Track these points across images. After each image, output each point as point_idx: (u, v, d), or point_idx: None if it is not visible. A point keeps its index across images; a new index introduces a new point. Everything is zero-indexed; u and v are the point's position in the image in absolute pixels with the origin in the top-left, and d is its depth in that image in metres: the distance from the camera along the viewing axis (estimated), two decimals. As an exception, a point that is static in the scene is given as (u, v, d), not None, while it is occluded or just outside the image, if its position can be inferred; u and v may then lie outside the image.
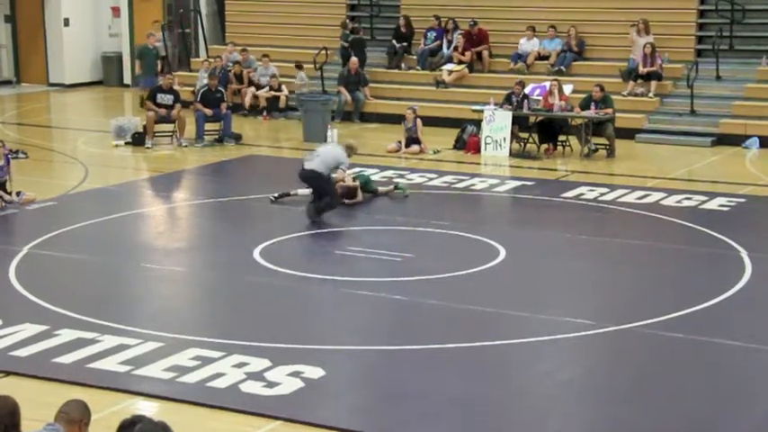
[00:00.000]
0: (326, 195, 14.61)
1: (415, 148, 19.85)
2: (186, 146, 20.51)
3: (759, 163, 19.02)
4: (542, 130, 20.09)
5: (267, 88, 24.07)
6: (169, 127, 20.85)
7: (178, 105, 20.77)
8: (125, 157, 19.97)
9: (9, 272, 12.12)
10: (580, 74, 22.61)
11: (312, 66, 23.94)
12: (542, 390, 9.03)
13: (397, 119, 21.09)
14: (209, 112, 20.97)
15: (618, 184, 17.20)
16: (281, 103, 23.84)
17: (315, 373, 9.10)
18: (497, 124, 19.82)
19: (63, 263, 12.75)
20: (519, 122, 20.04)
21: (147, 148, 20.29)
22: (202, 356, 9.45)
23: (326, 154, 14.78)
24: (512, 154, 19.68)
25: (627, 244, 13.71)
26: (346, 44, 24.43)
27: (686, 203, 15.71)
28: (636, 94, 21.90)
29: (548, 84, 20.68)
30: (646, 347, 10.01)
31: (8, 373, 9.25)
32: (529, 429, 8.37)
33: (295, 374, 9.05)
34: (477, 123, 20.17)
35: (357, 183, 15.93)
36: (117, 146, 20.58)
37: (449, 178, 17.53)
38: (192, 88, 23.31)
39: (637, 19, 22.41)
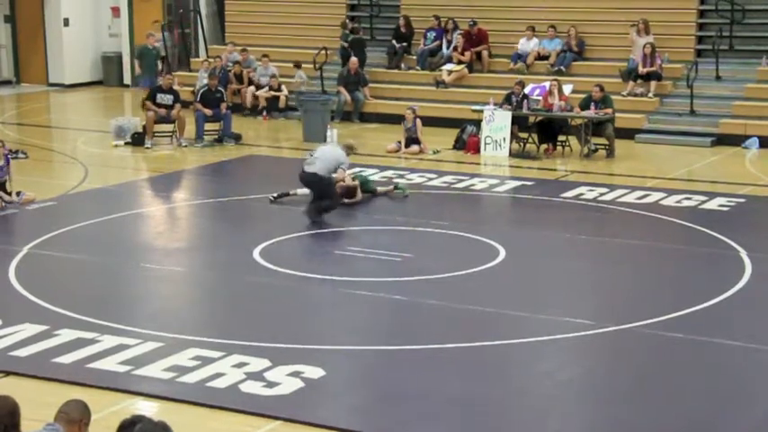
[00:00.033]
0: (328, 198, 14.60)
1: (414, 148, 19.85)
2: (186, 146, 20.51)
3: (759, 163, 19.02)
4: (542, 130, 20.09)
5: (267, 88, 24.07)
6: (169, 127, 20.85)
7: (178, 105, 20.78)
8: (125, 157, 19.97)
9: (9, 272, 12.12)
10: (580, 74, 22.61)
11: (312, 66, 23.94)
12: (542, 390, 9.04)
13: (396, 119, 21.09)
14: (208, 112, 20.97)
15: (617, 184, 17.20)
16: (281, 103, 23.84)
17: (315, 373, 9.10)
18: (497, 124, 19.82)
19: (63, 263, 12.75)
20: (519, 122, 20.04)
21: (147, 148, 20.29)
22: (202, 356, 9.46)
23: (326, 155, 14.77)
24: (511, 154, 19.68)
25: (626, 244, 13.71)
26: (346, 44, 24.43)
27: (686, 203, 15.71)
28: (636, 95, 21.90)
29: (547, 84, 20.68)
30: (646, 347, 10.01)
31: (8, 373, 9.25)
32: (529, 429, 8.38)
33: (295, 374, 9.05)
34: (477, 123, 20.17)
35: (357, 182, 15.93)
36: (117, 146, 20.58)
37: (448, 178, 17.53)
38: (191, 88, 23.31)
39: (637, 19, 22.41)
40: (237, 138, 21.01)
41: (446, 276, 12.09)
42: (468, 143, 20.15)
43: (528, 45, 23.60)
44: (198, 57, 27.40)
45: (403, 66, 24.59)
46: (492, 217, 15.89)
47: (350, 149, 15.32)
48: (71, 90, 28.91)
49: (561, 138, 20.02)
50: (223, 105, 21.29)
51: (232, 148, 20.47)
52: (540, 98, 20.39)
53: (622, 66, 22.41)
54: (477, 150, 19.84)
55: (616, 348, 10.07)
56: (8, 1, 29.72)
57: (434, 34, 24.44)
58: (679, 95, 21.74)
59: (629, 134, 20.75)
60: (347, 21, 25.28)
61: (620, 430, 8.30)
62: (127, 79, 29.49)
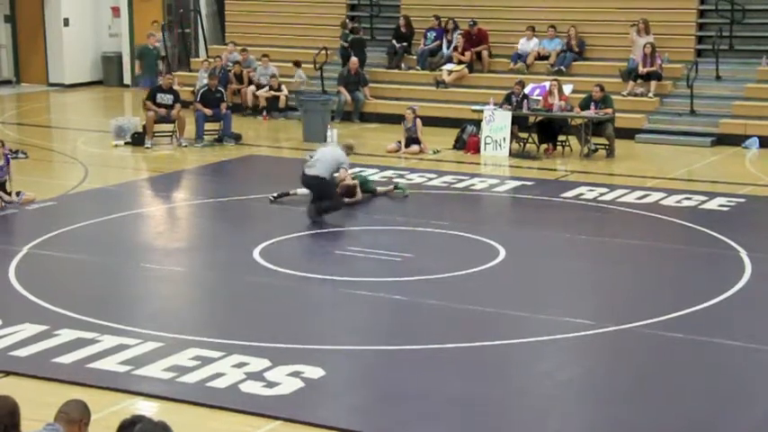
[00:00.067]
0: (330, 199, 14.60)
1: (414, 148, 19.85)
2: (186, 146, 20.52)
3: (759, 163, 19.02)
4: (542, 130, 20.09)
5: (267, 88, 24.07)
6: (169, 127, 20.85)
7: (178, 105, 20.78)
8: (125, 157, 19.97)
9: (9, 272, 12.12)
10: (580, 74, 22.61)
11: (312, 66, 23.94)
12: (542, 390, 9.03)
13: (396, 119, 21.09)
14: (208, 112, 20.97)
15: (617, 184, 17.20)
16: (281, 103, 23.84)
17: (315, 373, 9.10)
18: (497, 124, 19.82)
19: (63, 263, 12.75)
20: (519, 122, 20.04)
21: (147, 148, 20.29)
22: (202, 356, 9.45)
23: (326, 157, 14.75)
24: (511, 154, 19.69)
25: (626, 244, 13.71)
26: (346, 44, 24.44)
27: (686, 203, 15.71)
28: (636, 94, 21.90)
29: (547, 84, 20.68)
30: (646, 347, 10.01)
31: (8, 373, 9.24)
32: (529, 429, 8.37)
33: (295, 374, 9.05)
34: (477, 123, 20.17)
35: (356, 181, 15.93)
36: (117, 146, 20.58)
37: (448, 178, 17.53)
38: (191, 88, 23.31)
39: (637, 19, 22.41)
40: (237, 138, 21.01)
41: (446, 276, 12.09)
42: (468, 143, 20.15)
43: (528, 45, 23.60)
44: (198, 57, 27.41)
45: (403, 66, 24.59)
46: (492, 217, 15.89)
47: (349, 149, 15.35)
48: (71, 90, 28.91)
49: (561, 138, 20.02)
50: (223, 105, 21.29)
51: (232, 148, 20.47)
52: (540, 98, 20.40)
53: (622, 66, 22.42)
54: (478, 150, 19.85)
55: (616, 348, 10.06)
56: (8, 1, 29.72)
57: (434, 34, 24.44)
58: (679, 95, 21.74)
59: (629, 134, 20.76)
60: (347, 21, 25.28)
61: (620, 430, 8.29)
62: (127, 79, 29.50)
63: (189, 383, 8.94)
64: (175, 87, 21.62)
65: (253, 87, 24.21)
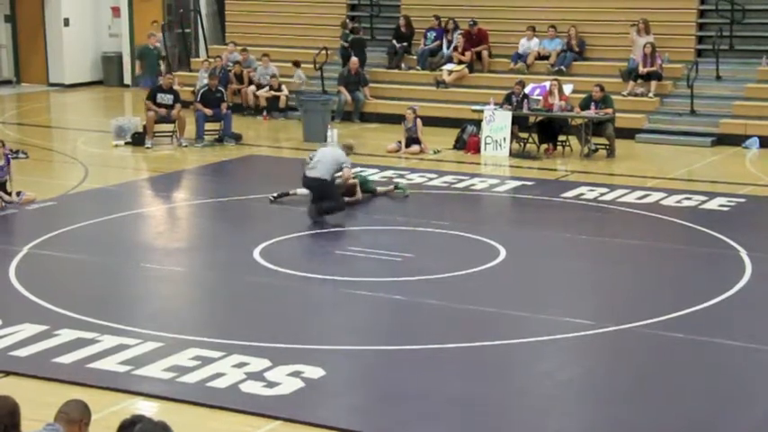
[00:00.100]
0: (331, 200, 14.60)
1: (415, 148, 19.85)
2: (186, 146, 20.52)
3: (759, 163, 19.02)
4: (542, 130, 20.09)
5: (267, 88, 24.07)
6: (169, 127, 20.85)
7: (178, 105, 20.78)
8: (125, 157, 19.97)
9: (9, 272, 12.12)
10: (580, 74, 22.61)
11: (312, 66, 23.94)
12: (542, 390, 9.03)
13: (397, 119, 21.09)
14: (209, 112, 20.97)
15: (618, 184, 17.20)
16: (281, 103, 23.84)
17: (315, 373, 9.10)
18: (497, 124, 19.82)
19: (63, 263, 12.75)
20: (519, 122, 20.04)
21: (147, 148, 20.29)
22: (202, 356, 9.46)
23: (326, 158, 14.74)
24: (512, 154, 19.68)
25: (626, 244, 13.71)
26: (346, 44, 24.43)
27: (686, 203, 15.71)
28: (636, 94, 21.90)
29: (548, 84, 20.68)
30: (646, 347, 10.01)
31: (8, 373, 9.25)
32: (529, 429, 8.37)
33: (295, 374, 9.05)
34: (477, 123, 20.17)
35: (356, 180, 15.93)
36: (117, 146, 20.58)
37: (449, 178, 17.53)
38: (192, 88, 23.31)
39: (637, 19, 22.41)
40: (238, 138, 21.01)
41: (446, 276, 12.09)
42: (468, 143, 20.15)
43: (528, 45, 23.60)
44: (198, 57, 27.41)
45: (403, 66, 24.59)
46: (492, 217, 15.89)
47: (349, 149, 15.35)
48: (71, 90, 28.91)
49: (561, 138, 20.02)
50: (223, 105, 21.29)
51: (232, 148, 20.47)
52: (541, 98, 20.39)
53: (622, 66, 22.42)
54: (478, 150, 19.85)
55: (616, 348, 10.06)
56: (8, 1, 29.72)
57: (435, 34, 24.44)
58: (679, 95, 21.74)
59: (629, 134, 20.75)
60: (347, 21, 25.28)
61: (620, 430, 8.30)
62: (127, 79, 29.50)
63: (189, 383, 8.94)
64: (176, 87, 21.62)
65: (253, 87, 24.22)
